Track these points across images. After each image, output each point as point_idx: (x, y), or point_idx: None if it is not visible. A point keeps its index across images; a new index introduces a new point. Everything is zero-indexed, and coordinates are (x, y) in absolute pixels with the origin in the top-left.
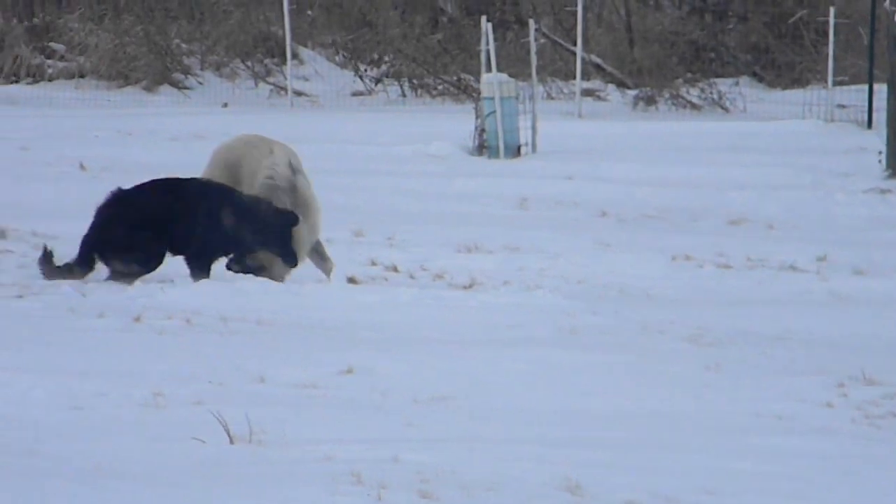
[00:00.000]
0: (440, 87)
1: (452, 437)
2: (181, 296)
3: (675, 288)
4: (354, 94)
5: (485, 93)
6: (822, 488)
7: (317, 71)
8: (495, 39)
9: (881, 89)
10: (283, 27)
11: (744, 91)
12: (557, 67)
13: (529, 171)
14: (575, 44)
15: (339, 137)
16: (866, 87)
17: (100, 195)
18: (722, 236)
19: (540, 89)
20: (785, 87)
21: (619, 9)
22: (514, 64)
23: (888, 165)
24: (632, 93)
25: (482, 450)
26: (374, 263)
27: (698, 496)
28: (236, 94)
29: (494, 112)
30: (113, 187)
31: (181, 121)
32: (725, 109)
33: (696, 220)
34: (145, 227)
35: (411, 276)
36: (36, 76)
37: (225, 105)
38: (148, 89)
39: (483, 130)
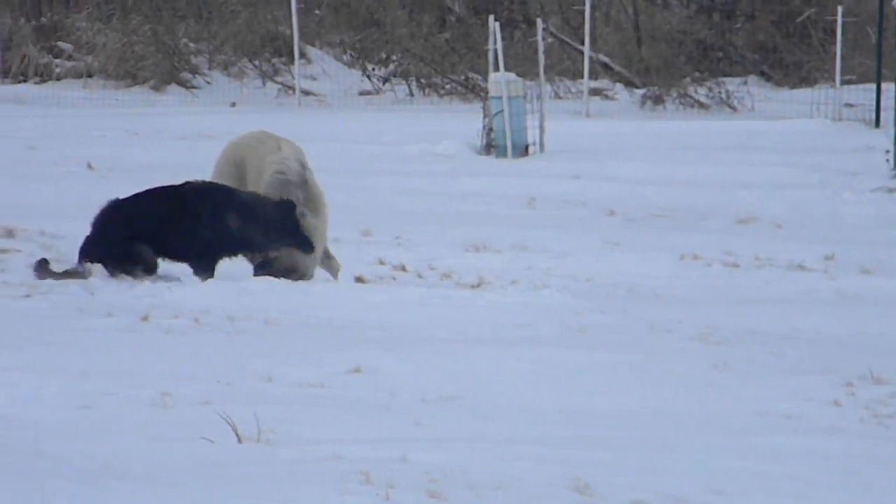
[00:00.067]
0: (448, 87)
1: (461, 436)
2: (188, 295)
3: (684, 287)
4: (362, 93)
5: (492, 92)
6: (828, 488)
7: (325, 70)
8: (503, 38)
9: (889, 88)
10: (290, 26)
11: (752, 90)
12: (565, 66)
13: (537, 170)
14: (583, 43)
15: (347, 137)
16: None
17: (107, 195)
18: (730, 235)
19: (548, 88)
20: (793, 86)
21: (626, 8)
22: (521, 63)
23: None
24: (640, 92)
25: (490, 449)
26: (382, 263)
27: (705, 496)
28: (244, 94)
29: (502, 111)
30: (112, 197)
31: (189, 120)
32: (733, 108)
33: (704, 219)
34: (141, 238)
35: (419, 276)
36: (44, 76)
37: (233, 104)
38: (156, 89)
39: (491, 130)
